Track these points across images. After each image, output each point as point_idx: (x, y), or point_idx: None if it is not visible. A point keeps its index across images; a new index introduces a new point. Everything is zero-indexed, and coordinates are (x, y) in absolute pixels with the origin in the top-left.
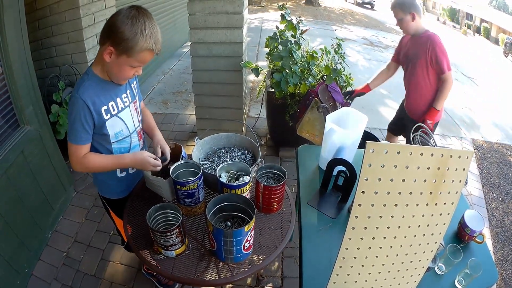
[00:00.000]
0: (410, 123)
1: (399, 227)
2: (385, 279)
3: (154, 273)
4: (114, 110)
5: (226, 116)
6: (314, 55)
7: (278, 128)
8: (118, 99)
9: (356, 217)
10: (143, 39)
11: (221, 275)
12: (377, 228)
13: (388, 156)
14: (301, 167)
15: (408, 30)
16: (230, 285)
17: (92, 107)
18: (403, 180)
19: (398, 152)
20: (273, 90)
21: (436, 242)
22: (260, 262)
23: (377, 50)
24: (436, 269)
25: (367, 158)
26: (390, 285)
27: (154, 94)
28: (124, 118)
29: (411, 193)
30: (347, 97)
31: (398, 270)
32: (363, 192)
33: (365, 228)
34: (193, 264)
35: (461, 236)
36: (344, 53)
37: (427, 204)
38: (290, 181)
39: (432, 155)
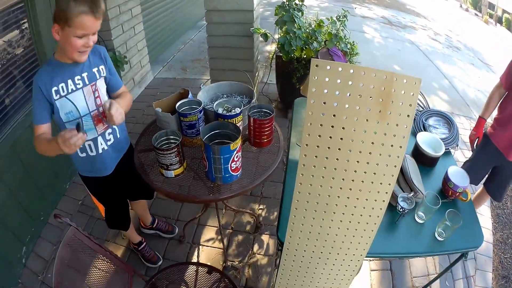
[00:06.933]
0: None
1: (352, 140)
2: (348, 197)
3: (139, 248)
4: (63, 91)
5: (238, 78)
6: (321, 24)
7: (286, 90)
8: (70, 81)
9: (309, 133)
10: (74, 4)
11: (211, 194)
12: (330, 137)
13: (331, 72)
14: (295, 114)
15: None
16: (230, 231)
17: (43, 89)
18: (349, 94)
19: (340, 69)
20: (281, 54)
21: (395, 166)
22: (247, 185)
23: (395, 29)
24: (416, 217)
25: (313, 72)
26: (355, 207)
27: (173, 62)
28: (73, 100)
29: (358, 108)
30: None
31: (360, 190)
32: (313, 101)
33: (318, 146)
34: (187, 185)
35: (444, 191)
36: (346, 20)
37: (377, 122)
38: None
39: (375, 75)
